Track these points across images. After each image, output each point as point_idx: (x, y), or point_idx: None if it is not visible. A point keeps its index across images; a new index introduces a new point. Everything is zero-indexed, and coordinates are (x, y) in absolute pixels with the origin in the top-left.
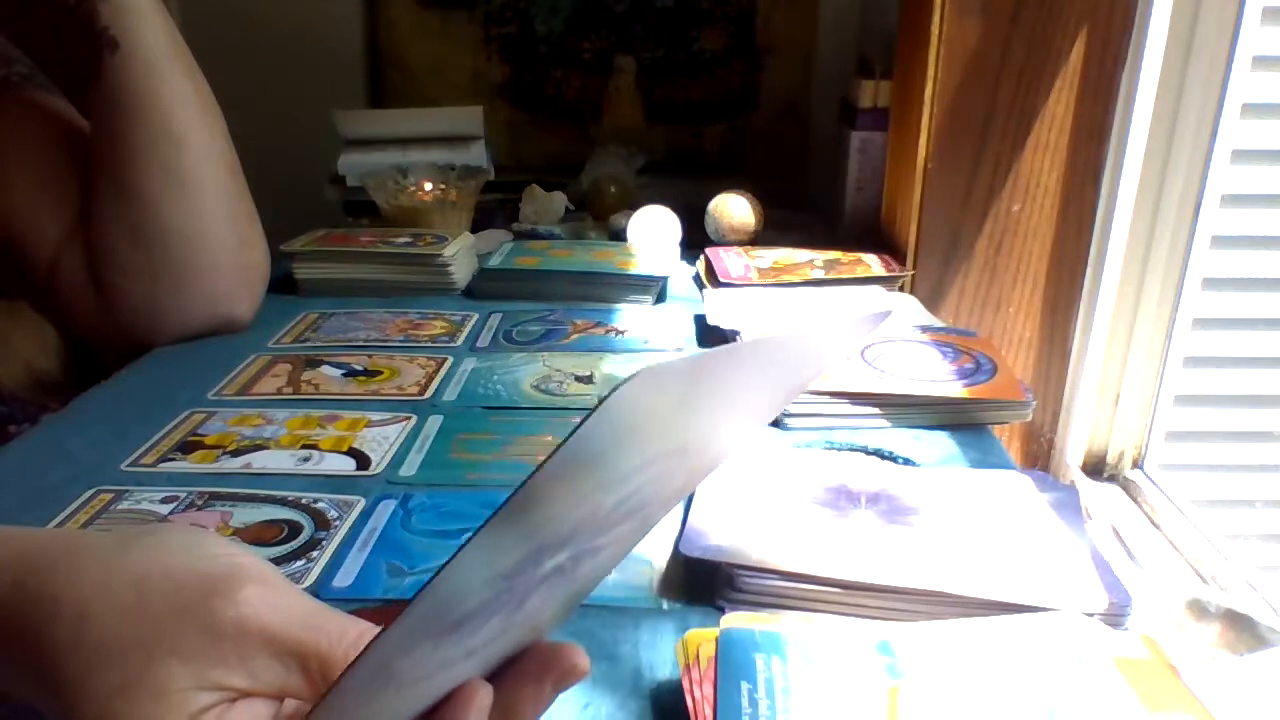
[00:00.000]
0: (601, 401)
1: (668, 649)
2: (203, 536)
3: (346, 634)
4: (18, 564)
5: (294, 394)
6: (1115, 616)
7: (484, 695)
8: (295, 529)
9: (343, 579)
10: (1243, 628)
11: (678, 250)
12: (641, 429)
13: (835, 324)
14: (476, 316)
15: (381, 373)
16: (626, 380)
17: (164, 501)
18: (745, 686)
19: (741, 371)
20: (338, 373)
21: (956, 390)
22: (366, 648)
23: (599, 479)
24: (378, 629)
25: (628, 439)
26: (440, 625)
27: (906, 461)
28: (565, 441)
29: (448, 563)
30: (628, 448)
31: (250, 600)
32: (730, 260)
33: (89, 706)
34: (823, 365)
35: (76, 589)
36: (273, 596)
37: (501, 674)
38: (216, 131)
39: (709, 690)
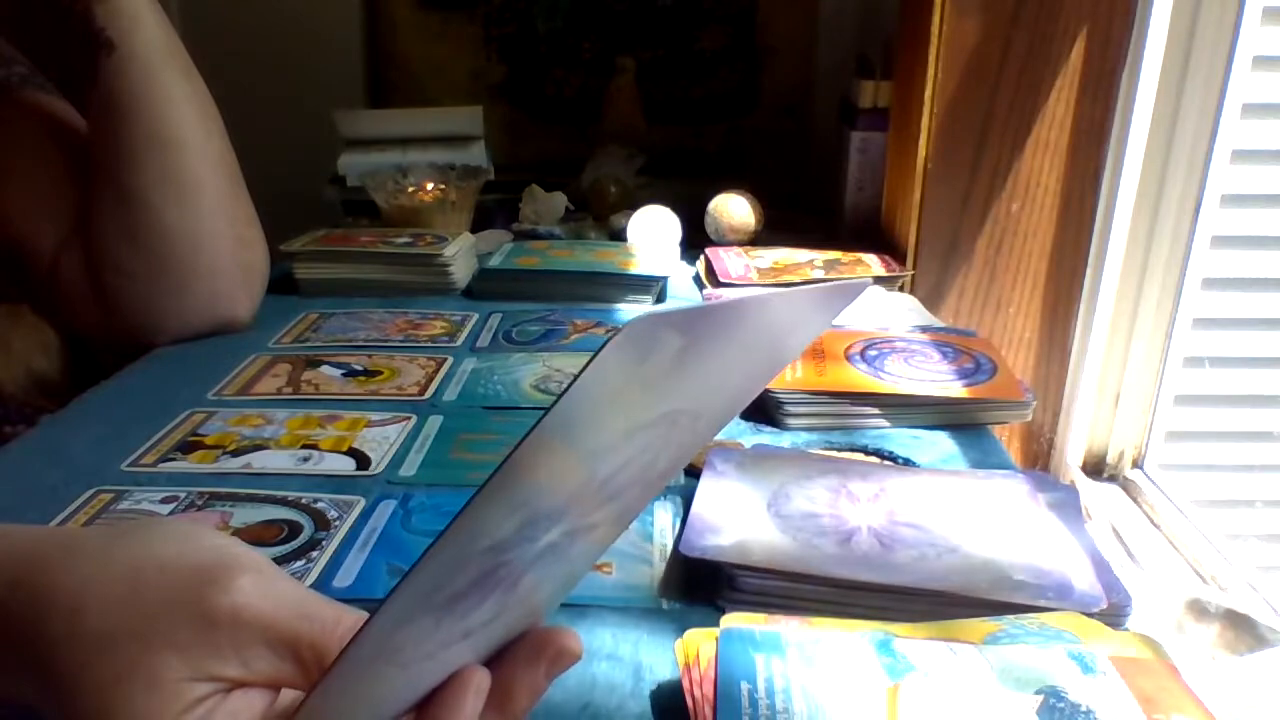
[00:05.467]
0: (606, 343)
1: (668, 649)
2: (196, 528)
3: (341, 622)
4: (13, 562)
5: (294, 394)
6: (1115, 616)
7: (481, 679)
8: (295, 529)
9: (343, 579)
10: (1243, 628)
11: (678, 250)
12: (641, 380)
13: (820, 288)
14: (476, 316)
15: (381, 373)
16: (633, 320)
17: (164, 501)
18: (745, 686)
19: (736, 329)
20: (338, 373)
21: (956, 390)
22: (369, 619)
23: (597, 438)
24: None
25: (628, 390)
26: (440, 597)
27: (907, 461)
28: (575, 379)
29: (448, 526)
30: (627, 400)
31: (244, 589)
32: (730, 260)
33: (85, 699)
34: (806, 335)
35: (71, 583)
36: (267, 585)
37: (497, 659)
38: (214, 132)
39: (709, 690)
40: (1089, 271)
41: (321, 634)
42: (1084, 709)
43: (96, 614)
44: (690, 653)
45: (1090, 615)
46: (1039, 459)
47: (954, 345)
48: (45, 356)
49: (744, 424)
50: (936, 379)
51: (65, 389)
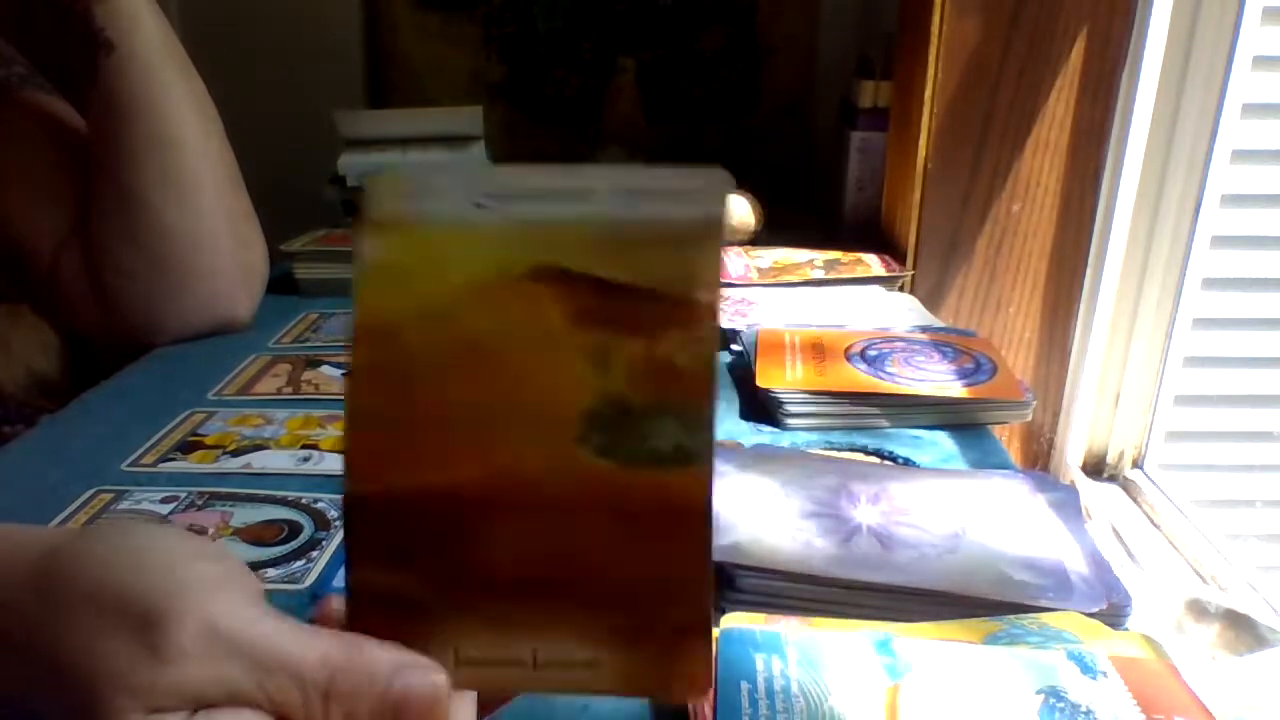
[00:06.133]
0: None
1: None
2: (155, 543)
3: (302, 666)
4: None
5: (294, 394)
6: (1115, 616)
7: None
8: (295, 529)
9: (342, 579)
10: (1243, 628)
11: None
12: None
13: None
14: None
15: None
16: None
17: (164, 501)
18: (745, 686)
19: None
20: (338, 373)
21: (956, 390)
22: None
23: None
24: (346, 643)
25: None
26: None
27: (907, 461)
28: None
29: None
30: None
31: (191, 642)
32: (730, 260)
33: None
34: None
35: (44, 615)
36: (218, 633)
37: None
38: (213, 133)
39: (709, 690)
40: (1089, 271)
41: (278, 691)
42: (1084, 709)
43: (67, 650)
44: None
45: (1090, 615)
46: (1039, 459)
47: (954, 345)
48: (45, 356)
49: (744, 424)
50: (936, 379)
51: (65, 389)
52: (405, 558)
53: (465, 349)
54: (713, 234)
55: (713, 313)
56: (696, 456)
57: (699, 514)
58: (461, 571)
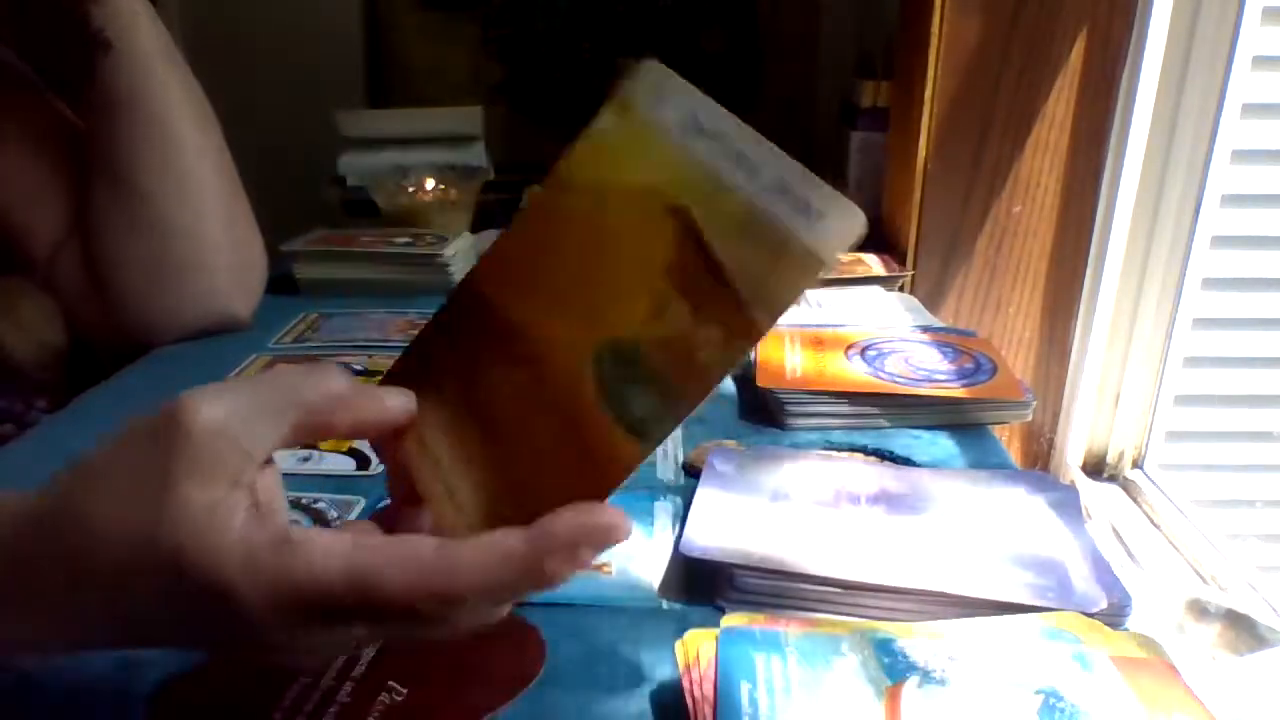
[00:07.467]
0: None
1: (668, 649)
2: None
3: (302, 394)
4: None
5: None
6: (1115, 616)
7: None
8: None
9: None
10: (1243, 628)
11: None
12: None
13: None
14: None
15: (381, 373)
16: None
17: None
18: (745, 686)
19: None
20: None
21: (956, 390)
22: None
23: None
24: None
25: None
26: None
27: (907, 461)
28: None
29: None
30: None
31: (207, 407)
32: None
33: (147, 576)
34: None
35: (70, 517)
36: (224, 395)
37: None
38: (210, 132)
39: (709, 690)
40: (1089, 271)
41: (309, 414)
42: (1084, 709)
43: (106, 534)
44: (690, 653)
45: (1090, 615)
46: (1039, 459)
47: (954, 345)
48: (51, 327)
49: (744, 424)
50: (936, 379)
51: (72, 359)
52: (457, 347)
53: (592, 233)
54: (810, 270)
55: (756, 336)
56: (648, 438)
57: (612, 481)
58: (473, 382)
